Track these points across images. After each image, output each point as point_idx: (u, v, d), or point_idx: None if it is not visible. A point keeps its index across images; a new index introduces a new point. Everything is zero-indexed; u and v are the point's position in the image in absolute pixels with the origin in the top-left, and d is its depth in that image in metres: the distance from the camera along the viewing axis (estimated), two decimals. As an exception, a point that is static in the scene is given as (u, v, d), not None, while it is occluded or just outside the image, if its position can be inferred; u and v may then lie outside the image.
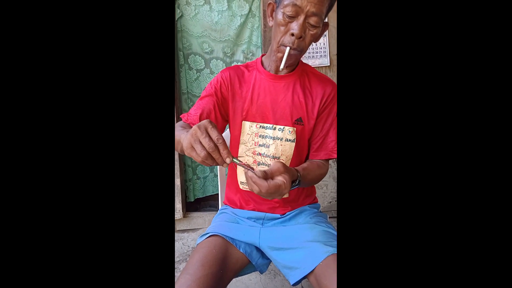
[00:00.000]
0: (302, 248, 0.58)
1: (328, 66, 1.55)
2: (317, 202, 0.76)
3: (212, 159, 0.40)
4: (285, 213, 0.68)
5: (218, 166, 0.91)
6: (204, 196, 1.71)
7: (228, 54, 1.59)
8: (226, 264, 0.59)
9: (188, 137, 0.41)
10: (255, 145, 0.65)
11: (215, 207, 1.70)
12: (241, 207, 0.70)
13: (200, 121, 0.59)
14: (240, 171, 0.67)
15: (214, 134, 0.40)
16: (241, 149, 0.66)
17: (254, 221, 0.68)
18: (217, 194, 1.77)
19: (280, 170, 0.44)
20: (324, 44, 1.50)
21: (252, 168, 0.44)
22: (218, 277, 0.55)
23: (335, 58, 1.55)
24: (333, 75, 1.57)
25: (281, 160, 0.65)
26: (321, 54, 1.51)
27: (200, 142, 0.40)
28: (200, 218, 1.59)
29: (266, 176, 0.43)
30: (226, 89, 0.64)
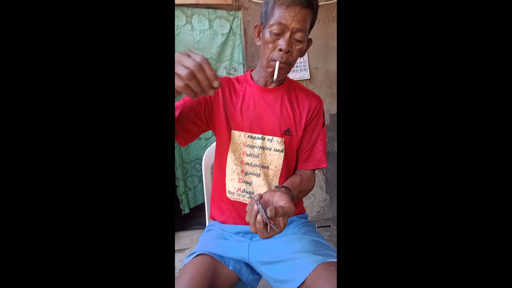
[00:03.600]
0: (292, 260, 0.57)
1: (308, 79, 1.61)
2: (304, 212, 0.76)
3: (196, 81, 0.38)
4: (273, 226, 0.68)
5: (204, 177, 0.89)
6: (196, 205, 1.72)
7: (211, 71, 1.62)
8: (215, 284, 0.57)
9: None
10: (243, 155, 0.65)
11: (202, 224, 1.66)
12: (228, 222, 0.69)
13: (177, 118, 0.59)
14: (229, 179, 0.67)
15: (197, 57, 0.38)
16: (229, 158, 0.66)
17: (243, 235, 0.67)
18: (203, 215, 1.76)
19: (282, 200, 0.45)
20: (304, 58, 1.57)
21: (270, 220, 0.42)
22: None
23: (314, 71, 1.62)
24: (313, 88, 1.64)
25: (270, 170, 0.66)
26: (301, 68, 1.58)
27: (183, 64, 0.37)
28: (187, 238, 1.54)
29: (277, 214, 0.42)
30: (215, 96, 0.64)
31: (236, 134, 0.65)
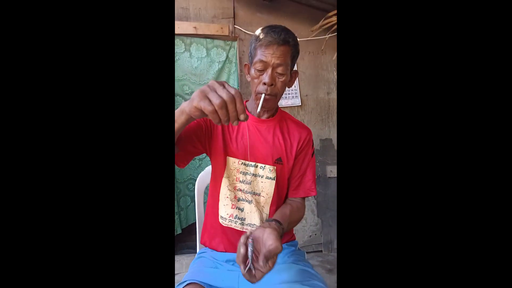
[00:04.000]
0: (280, 284, 0.58)
1: (299, 105, 1.69)
2: (294, 239, 0.78)
3: (225, 111, 0.39)
4: (261, 254, 0.69)
5: (196, 200, 0.90)
6: (188, 225, 1.72)
7: (207, 95, 1.69)
8: None
9: (200, 90, 0.40)
10: (236, 181, 0.68)
11: (193, 248, 1.62)
12: (219, 248, 0.70)
13: (179, 138, 0.61)
14: (223, 204, 0.69)
15: (232, 89, 0.40)
16: (224, 183, 0.69)
17: (233, 264, 0.67)
18: (192, 240, 1.73)
19: (269, 239, 0.46)
20: (295, 86, 1.66)
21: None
22: None
23: (305, 98, 1.70)
24: (304, 113, 1.71)
25: (261, 197, 0.68)
26: (292, 95, 1.66)
27: (216, 92, 0.40)
28: (177, 262, 1.50)
29: (268, 258, 0.45)
30: (210, 123, 0.68)
31: (231, 160, 0.68)
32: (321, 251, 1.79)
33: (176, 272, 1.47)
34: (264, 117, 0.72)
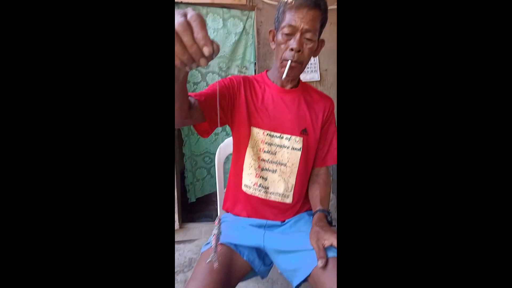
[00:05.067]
0: (303, 252, 0.62)
1: (318, 81, 1.64)
2: (311, 209, 0.81)
3: (182, 46, 0.30)
4: (284, 220, 0.72)
5: (217, 170, 0.94)
6: (203, 195, 1.82)
7: (223, 69, 1.66)
8: (231, 271, 0.62)
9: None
10: (260, 151, 0.69)
11: (210, 217, 1.72)
12: (242, 214, 0.74)
13: (203, 101, 0.60)
14: (247, 173, 0.71)
15: (187, 13, 0.30)
16: (248, 153, 0.70)
17: (257, 228, 0.72)
18: (213, 193, 1.83)
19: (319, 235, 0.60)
20: (314, 60, 1.60)
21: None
22: (224, 283, 0.58)
23: (325, 73, 1.65)
24: (323, 89, 1.67)
25: (287, 167, 0.70)
26: (311, 69, 1.61)
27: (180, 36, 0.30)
28: (196, 229, 1.60)
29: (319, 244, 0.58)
30: (236, 92, 0.68)
31: (255, 131, 0.69)
32: (335, 226, 1.84)
33: (195, 238, 1.58)
34: (288, 87, 0.71)
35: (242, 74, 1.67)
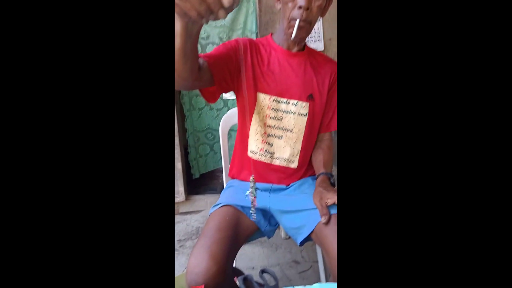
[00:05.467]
0: (306, 211, 0.65)
1: (322, 51, 1.59)
2: (315, 174, 0.83)
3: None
4: (289, 184, 0.75)
5: (221, 140, 0.95)
6: (207, 171, 1.84)
7: (223, 40, 1.61)
8: (238, 230, 0.65)
9: None
10: (267, 117, 0.69)
11: (215, 190, 1.77)
12: (248, 179, 0.76)
13: (214, 59, 0.56)
14: (253, 140, 0.71)
15: None
16: (254, 119, 0.70)
17: (262, 191, 0.74)
18: (216, 169, 1.87)
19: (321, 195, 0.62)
20: (318, 28, 1.54)
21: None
22: (232, 240, 0.61)
23: (329, 43, 1.59)
24: (326, 60, 1.62)
25: (293, 133, 0.70)
26: (315, 39, 1.55)
27: None
28: (202, 201, 1.65)
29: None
30: (242, 55, 0.65)
31: (261, 96, 0.68)
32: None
33: (201, 209, 1.64)
34: (295, 50, 0.69)
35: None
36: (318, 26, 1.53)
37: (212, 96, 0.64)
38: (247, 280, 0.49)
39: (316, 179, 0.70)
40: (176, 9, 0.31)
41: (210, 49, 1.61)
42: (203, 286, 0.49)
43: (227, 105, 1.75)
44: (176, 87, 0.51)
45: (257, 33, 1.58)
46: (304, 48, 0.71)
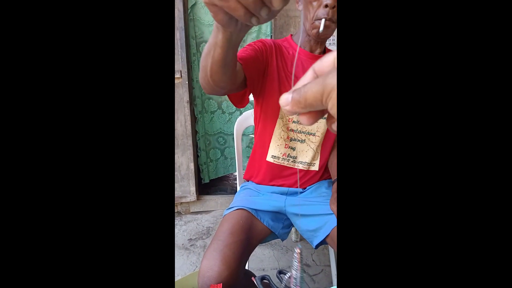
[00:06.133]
0: (323, 215, 0.65)
1: (336, 54, 1.59)
2: (331, 178, 0.83)
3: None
4: (306, 187, 0.75)
5: (236, 144, 0.96)
6: (217, 177, 1.82)
7: (238, 43, 1.63)
8: (251, 234, 0.65)
9: None
10: (289, 121, 0.69)
11: (225, 191, 1.78)
12: (264, 183, 0.76)
13: (245, 62, 0.55)
14: (276, 144, 0.71)
15: None
16: (278, 124, 0.69)
17: (279, 194, 0.74)
18: (226, 175, 1.87)
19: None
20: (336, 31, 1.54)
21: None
22: (245, 244, 0.61)
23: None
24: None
25: (316, 137, 0.70)
26: (330, 42, 1.55)
27: None
28: (212, 201, 1.67)
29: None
30: (269, 57, 0.65)
31: None
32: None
33: (211, 209, 1.66)
34: (317, 52, 0.69)
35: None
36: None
37: (241, 100, 0.63)
38: (264, 279, 0.49)
39: (332, 183, 0.69)
40: (218, 16, 0.27)
41: (224, 52, 1.64)
42: (221, 285, 0.49)
43: (239, 109, 1.76)
44: (209, 93, 0.51)
45: (271, 36, 1.59)
46: (325, 50, 0.71)
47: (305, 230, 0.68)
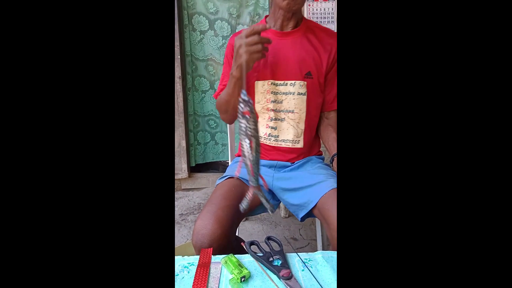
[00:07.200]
0: (309, 187, 0.66)
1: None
2: (321, 154, 0.84)
3: (254, 47, 0.53)
4: (294, 162, 0.76)
5: (228, 127, 0.96)
6: (204, 162, 1.75)
7: (233, 16, 1.56)
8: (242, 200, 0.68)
9: (236, 53, 0.55)
10: (267, 102, 0.70)
11: (216, 169, 1.79)
12: None
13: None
14: (262, 124, 0.72)
15: (244, 33, 0.53)
16: (256, 107, 0.70)
17: (267, 168, 0.76)
18: (216, 162, 1.85)
19: None
20: (332, 9, 1.49)
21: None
22: (237, 209, 0.63)
23: (341, 25, 1.54)
24: (337, 43, 1.58)
25: (295, 113, 0.70)
26: (328, 20, 1.51)
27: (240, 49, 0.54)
28: (204, 178, 1.68)
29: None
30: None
31: (259, 84, 0.68)
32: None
33: (203, 186, 1.68)
34: (288, 28, 0.68)
35: (254, 24, 1.57)
36: (333, 6, 1.48)
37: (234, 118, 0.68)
38: (253, 244, 0.51)
39: (331, 159, 0.69)
40: (239, 59, 0.56)
41: (218, 26, 1.57)
42: (211, 250, 0.51)
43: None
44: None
45: (269, 10, 1.53)
46: (299, 23, 0.69)
47: (291, 204, 0.70)
